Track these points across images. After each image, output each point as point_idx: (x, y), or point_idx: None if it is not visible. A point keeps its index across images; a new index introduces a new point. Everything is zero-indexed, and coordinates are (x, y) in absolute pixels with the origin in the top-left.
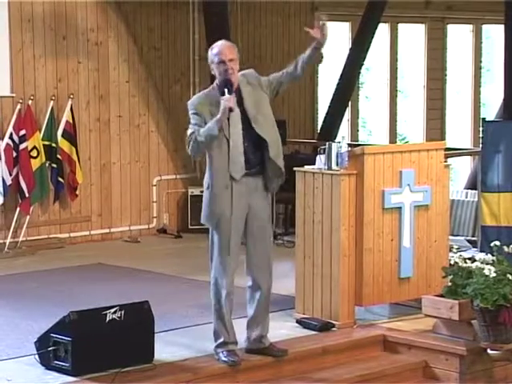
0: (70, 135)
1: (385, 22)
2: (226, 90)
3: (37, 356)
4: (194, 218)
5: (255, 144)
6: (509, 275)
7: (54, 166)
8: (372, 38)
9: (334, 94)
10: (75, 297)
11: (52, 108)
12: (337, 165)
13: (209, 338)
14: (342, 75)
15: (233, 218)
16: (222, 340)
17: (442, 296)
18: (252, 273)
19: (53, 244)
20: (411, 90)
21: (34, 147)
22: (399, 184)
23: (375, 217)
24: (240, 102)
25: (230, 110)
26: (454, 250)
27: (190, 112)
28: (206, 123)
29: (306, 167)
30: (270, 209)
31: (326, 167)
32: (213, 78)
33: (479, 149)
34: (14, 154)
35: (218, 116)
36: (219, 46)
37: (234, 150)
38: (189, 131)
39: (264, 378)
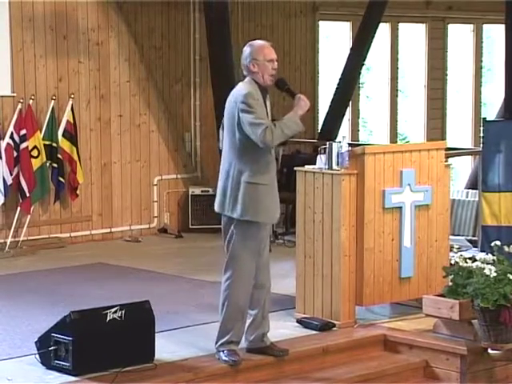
0: (71, 135)
1: (385, 22)
2: (286, 89)
3: (37, 356)
4: (194, 218)
5: None
6: (509, 275)
7: (55, 165)
8: (373, 37)
9: (334, 94)
10: (76, 296)
11: (53, 108)
12: (337, 164)
13: (210, 337)
14: (342, 75)
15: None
16: (225, 339)
17: (442, 296)
18: (256, 272)
19: (53, 244)
20: (412, 89)
21: (35, 147)
22: (400, 184)
23: (376, 216)
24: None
25: (308, 109)
26: (455, 250)
27: (253, 102)
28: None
29: (307, 167)
30: None
31: (327, 167)
32: (214, 77)
33: (480, 148)
34: (15, 154)
35: (299, 111)
36: (265, 45)
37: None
38: (260, 120)
39: (264, 377)
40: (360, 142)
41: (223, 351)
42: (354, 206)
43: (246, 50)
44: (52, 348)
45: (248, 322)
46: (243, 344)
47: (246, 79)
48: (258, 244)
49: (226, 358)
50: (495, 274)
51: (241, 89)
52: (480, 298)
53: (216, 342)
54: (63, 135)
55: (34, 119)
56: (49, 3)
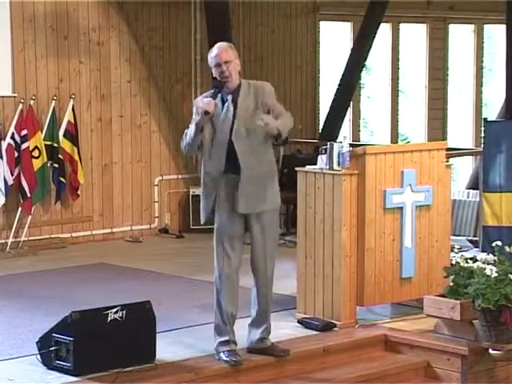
0: (72, 135)
1: (386, 22)
2: (211, 92)
3: (38, 356)
4: (195, 218)
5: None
6: (510, 275)
7: (56, 165)
8: (373, 38)
9: (335, 94)
10: (77, 297)
11: (54, 108)
12: (338, 165)
13: (210, 337)
14: (343, 75)
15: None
16: (224, 339)
17: (443, 296)
18: (253, 271)
19: (54, 244)
20: (413, 89)
21: (36, 147)
22: (401, 184)
23: (377, 217)
24: (235, 103)
25: (206, 113)
26: (456, 250)
27: (194, 110)
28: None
29: (308, 167)
30: None
31: (328, 167)
32: (214, 78)
33: (481, 149)
34: (16, 154)
35: (196, 119)
36: (216, 48)
37: (219, 150)
38: (186, 130)
39: (265, 378)
40: (361, 143)
41: (223, 352)
42: (355, 206)
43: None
44: (53, 348)
45: (249, 321)
46: (244, 344)
47: None
48: (224, 237)
49: (227, 359)
50: (496, 275)
51: None
52: (481, 299)
53: (215, 343)
54: (64, 135)
55: (35, 119)
56: (50, 3)
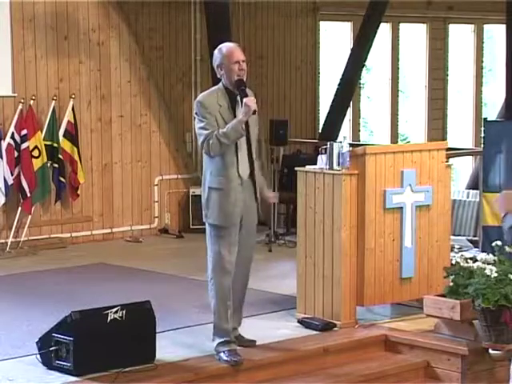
0: (72, 135)
1: (386, 22)
2: (240, 91)
3: (38, 356)
4: (195, 218)
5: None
6: (510, 275)
7: (56, 165)
8: (373, 37)
9: (335, 94)
10: (77, 297)
11: (53, 108)
12: (338, 165)
13: (211, 337)
14: (343, 75)
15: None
16: (224, 339)
17: (443, 296)
18: (236, 266)
19: (54, 244)
20: (413, 89)
21: (36, 147)
22: (401, 184)
23: (377, 217)
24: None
25: (254, 112)
26: (456, 250)
27: (202, 111)
28: (216, 123)
29: (308, 167)
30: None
31: (328, 167)
32: (215, 77)
33: (481, 149)
34: (16, 154)
35: (242, 117)
36: (231, 47)
37: (241, 152)
38: (203, 131)
39: (266, 377)
40: (361, 143)
41: (224, 352)
42: (355, 206)
43: (215, 53)
44: (53, 348)
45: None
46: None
47: (219, 84)
48: (223, 244)
49: (228, 359)
50: (496, 275)
51: (200, 95)
52: (481, 299)
53: (214, 342)
54: (64, 135)
55: (35, 119)
56: (49, 3)
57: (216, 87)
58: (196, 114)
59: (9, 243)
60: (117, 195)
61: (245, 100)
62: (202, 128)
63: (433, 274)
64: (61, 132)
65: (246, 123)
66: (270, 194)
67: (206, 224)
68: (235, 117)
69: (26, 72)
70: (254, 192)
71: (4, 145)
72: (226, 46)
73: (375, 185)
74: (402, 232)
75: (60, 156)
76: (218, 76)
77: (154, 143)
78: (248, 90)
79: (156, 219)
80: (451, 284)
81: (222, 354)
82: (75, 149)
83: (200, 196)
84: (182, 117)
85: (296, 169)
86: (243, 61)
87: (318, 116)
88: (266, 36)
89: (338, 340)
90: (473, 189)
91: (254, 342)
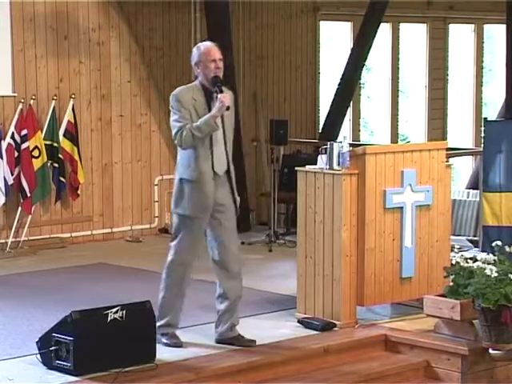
0: (72, 135)
1: (386, 22)
2: (216, 88)
3: (38, 356)
4: None
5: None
6: (510, 275)
7: (56, 165)
8: (374, 37)
9: (335, 94)
10: (77, 296)
11: (54, 108)
12: (338, 165)
13: (211, 337)
14: (343, 75)
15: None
16: (163, 321)
17: (443, 296)
18: (225, 263)
19: (54, 244)
20: (413, 89)
21: (36, 147)
22: (401, 184)
23: (377, 217)
24: None
25: (227, 108)
26: (456, 250)
27: (176, 104)
28: (189, 117)
29: (308, 167)
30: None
31: (328, 167)
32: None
33: (481, 149)
34: (16, 154)
35: (215, 112)
36: (208, 45)
37: (216, 147)
38: (176, 123)
39: (266, 377)
40: (361, 142)
41: (163, 334)
42: (355, 206)
43: (193, 51)
44: (53, 348)
45: (219, 313)
46: (213, 336)
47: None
48: (190, 236)
49: (168, 341)
50: (496, 274)
51: (176, 89)
52: (481, 298)
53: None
54: (64, 135)
55: (35, 119)
56: (49, 3)
57: (193, 84)
58: (171, 107)
59: (9, 243)
60: (117, 195)
61: (219, 95)
62: (175, 120)
63: (433, 274)
64: (61, 132)
65: (222, 120)
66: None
67: (174, 215)
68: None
69: (26, 72)
70: (231, 188)
71: (4, 145)
72: (203, 45)
73: (375, 185)
74: (402, 232)
75: (60, 156)
76: (196, 74)
77: (154, 143)
78: (225, 88)
79: (156, 219)
80: (451, 284)
81: (161, 337)
82: (75, 149)
83: None
84: None
85: (296, 169)
86: (220, 59)
87: (318, 116)
88: (266, 36)
89: (338, 340)
90: (473, 189)
91: (254, 341)
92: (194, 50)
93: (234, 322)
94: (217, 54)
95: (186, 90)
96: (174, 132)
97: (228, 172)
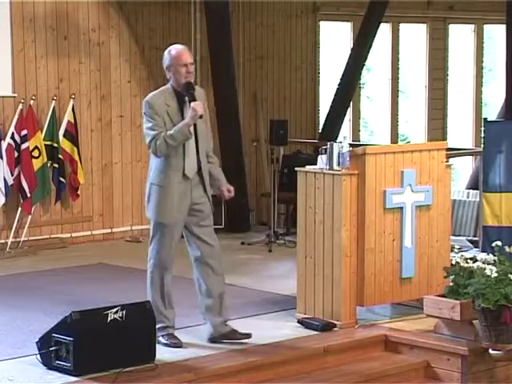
0: (72, 135)
1: (386, 22)
2: (189, 94)
3: (38, 356)
4: None
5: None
6: (510, 275)
7: (56, 165)
8: (373, 38)
9: (335, 94)
10: (77, 297)
11: (54, 108)
12: (338, 165)
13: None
14: (343, 75)
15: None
16: (161, 325)
17: (443, 296)
18: (207, 261)
19: (54, 244)
20: (413, 90)
21: (36, 147)
22: (401, 184)
23: (377, 217)
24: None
25: (200, 116)
26: (456, 250)
27: (149, 111)
28: (163, 124)
29: (308, 167)
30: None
31: (328, 167)
32: (215, 77)
33: (481, 149)
34: (16, 154)
35: (188, 121)
36: (179, 49)
37: (188, 151)
38: (150, 132)
39: (266, 377)
40: (361, 143)
41: (162, 336)
42: (355, 206)
43: (164, 55)
44: (53, 348)
45: (205, 309)
46: (206, 335)
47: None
48: (161, 240)
49: (167, 342)
50: (496, 275)
51: (149, 94)
52: (481, 299)
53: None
54: (64, 135)
55: (35, 119)
56: (49, 3)
57: (165, 87)
58: (144, 113)
59: (9, 243)
60: (117, 195)
61: (192, 104)
62: (149, 128)
63: (433, 274)
64: (61, 132)
65: (195, 127)
66: (225, 188)
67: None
68: (183, 117)
69: (26, 72)
70: (203, 186)
71: (4, 145)
72: (175, 48)
73: (375, 185)
74: (402, 232)
75: (60, 156)
76: (167, 77)
77: None
78: (197, 87)
79: None
80: (451, 284)
81: (161, 338)
82: (75, 149)
83: None
84: None
85: (296, 169)
86: (191, 63)
87: (317, 116)
88: (266, 36)
89: (338, 340)
90: (473, 189)
91: (250, 335)
92: (166, 53)
93: (226, 317)
94: (188, 58)
95: (159, 94)
96: (148, 140)
97: (200, 172)
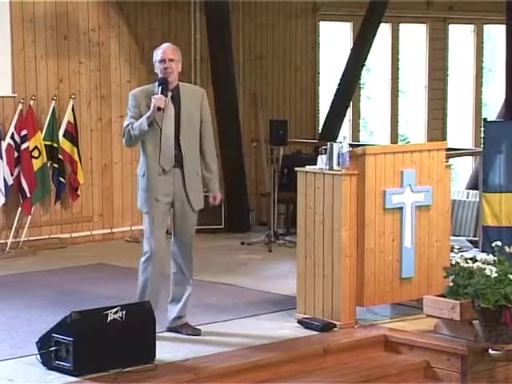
0: (72, 135)
1: (386, 22)
2: (159, 89)
3: (38, 356)
4: None
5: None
6: (510, 275)
7: (56, 166)
8: (373, 38)
9: (335, 94)
10: (77, 297)
11: (53, 108)
12: (338, 165)
13: (211, 337)
14: (343, 75)
15: (161, 203)
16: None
17: (443, 296)
18: (177, 254)
19: (54, 244)
20: (413, 90)
21: (36, 147)
22: (400, 184)
23: (376, 217)
24: (177, 102)
25: (159, 109)
26: (456, 251)
27: (130, 103)
28: (140, 116)
29: (308, 167)
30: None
31: (328, 167)
32: (215, 77)
33: (480, 149)
34: (16, 154)
35: (148, 113)
36: (164, 46)
37: (165, 144)
38: (125, 122)
39: (266, 377)
40: (361, 143)
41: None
42: (355, 206)
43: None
44: (53, 348)
45: (171, 303)
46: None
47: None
48: (149, 229)
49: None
50: (496, 275)
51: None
52: (481, 299)
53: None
54: (64, 136)
55: (35, 120)
56: (49, 4)
57: (153, 83)
58: (128, 106)
59: (9, 243)
60: (117, 195)
61: (152, 97)
62: (126, 120)
63: (433, 274)
64: (61, 132)
65: (178, 118)
66: (211, 194)
67: None
68: (164, 112)
69: (26, 72)
70: (183, 182)
71: (4, 145)
72: (160, 46)
73: (375, 185)
74: (402, 232)
75: (60, 156)
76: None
77: None
78: (196, 90)
79: None
80: (451, 284)
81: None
82: (75, 149)
83: None
84: None
85: (296, 169)
86: (170, 60)
87: (317, 116)
88: (266, 36)
89: (338, 340)
90: (473, 189)
91: (199, 330)
92: (154, 50)
93: (182, 312)
94: (168, 54)
95: (143, 89)
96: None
97: (181, 166)
